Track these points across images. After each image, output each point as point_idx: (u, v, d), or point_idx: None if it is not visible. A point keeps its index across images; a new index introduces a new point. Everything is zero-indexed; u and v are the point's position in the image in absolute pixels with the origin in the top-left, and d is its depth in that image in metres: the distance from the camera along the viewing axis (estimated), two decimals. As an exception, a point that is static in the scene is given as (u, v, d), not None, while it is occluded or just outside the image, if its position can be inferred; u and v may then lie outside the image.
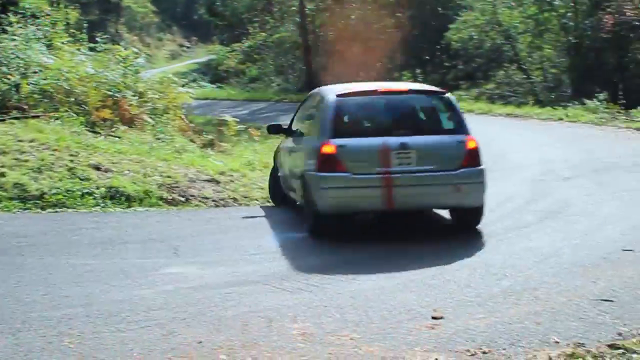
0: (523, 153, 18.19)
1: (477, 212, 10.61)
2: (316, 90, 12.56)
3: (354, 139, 10.34)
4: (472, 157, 10.37)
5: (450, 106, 10.99)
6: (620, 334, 6.09)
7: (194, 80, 61.06)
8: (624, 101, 27.37)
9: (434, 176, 10.18)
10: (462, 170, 10.23)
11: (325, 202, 10.12)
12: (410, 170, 10.11)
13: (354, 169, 10.07)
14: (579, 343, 5.88)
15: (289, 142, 12.59)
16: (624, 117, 23.88)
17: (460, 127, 10.64)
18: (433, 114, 11.31)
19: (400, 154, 10.08)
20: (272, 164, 14.16)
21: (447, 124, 10.98)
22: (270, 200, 13.77)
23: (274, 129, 13.29)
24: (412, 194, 10.24)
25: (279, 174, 13.17)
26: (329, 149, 10.13)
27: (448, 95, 11.30)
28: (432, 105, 11.33)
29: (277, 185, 13.33)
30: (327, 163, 10.11)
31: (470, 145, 10.38)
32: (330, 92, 11.09)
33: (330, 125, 10.41)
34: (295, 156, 11.81)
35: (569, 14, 39.68)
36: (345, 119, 10.84)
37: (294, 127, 12.78)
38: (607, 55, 37.34)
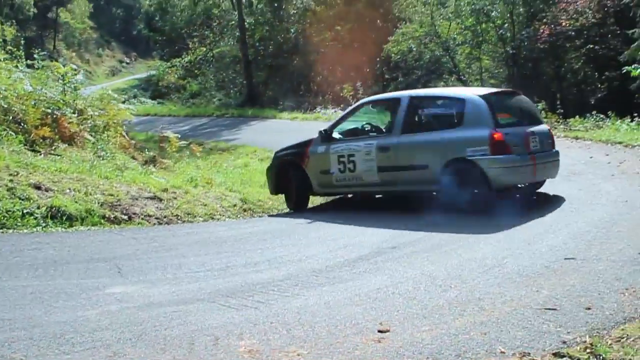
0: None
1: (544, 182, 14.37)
2: (408, 93, 14.75)
3: (507, 128, 12.97)
4: (554, 141, 14.31)
5: (533, 103, 15.07)
6: (564, 342, 6.15)
7: (135, 97, 60.94)
8: (562, 110, 27.83)
9: (550, 154, 13.79)
10: (553, 150, 14.00)
11: (501, 179, 12.73)
12: (538, 150, 13.27)
13: (515, 152, 12.70)
14: (525, 352, 5.93)
15: (355, 144, 14.37)
16: (563, 127, 24.26)
17: (542, 119, 14.61)
18: (531, 109, 14.84)
19: (534, 139, 13.24)
20: (273, 166, 15.99)
21: (537, 117, 14.83)
22: (276, 193, 16.00)
23: (325, 134, 14.87)
24: (543, 169, 13.50)
25: (328, 174, 14.68)
26: (499, 136, 12.54)
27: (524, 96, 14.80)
28: (528, 103, 14.75)
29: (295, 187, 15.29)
30: (500, 147, 12.53)
31: (551, 132, 14.45)
32: (465, 94, 13.85)
33: (491, 118, 12.77)
34: (405, 151, 13.62)
35: (506, 25, 40.26)
36: (496, 113, 13.01)
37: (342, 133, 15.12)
38: (544, 65, 37.96)
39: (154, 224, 13.13)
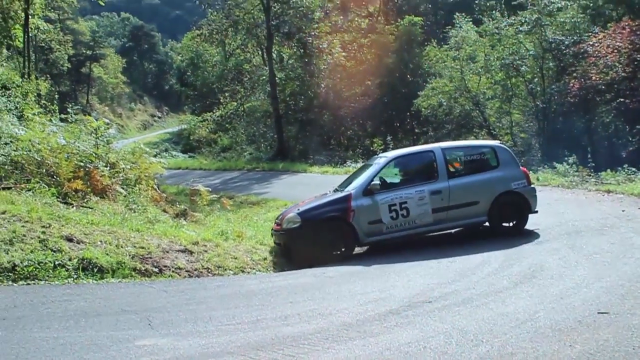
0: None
1: None
2: (437, 146, 16.99)
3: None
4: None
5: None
6: (598, 398, 6.08)
7: (166, 150, 61.36)
8: (593, 164, 27.68)
9: None
10: None
11: (535, 201, 16.34)
12: None
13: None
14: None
15: (404, 192, 16.07)
16: (594, 180, 24.12)
17: None
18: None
19: None
20: (305, 227, 15.75)
21: None
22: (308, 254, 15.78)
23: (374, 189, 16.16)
24: None
25: (379, 223, 15.86)
26: (527, 171, 17.05)
27: None
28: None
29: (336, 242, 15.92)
30: (529, 179, 16.70)
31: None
32: (492, 143, 17.87)
33: (515, 158, 16.98)
34: (458, 191, 16.08)
35: (536, 80, 40.30)
36: None
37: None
38: (574, 119, 37.86)
39: (185, 276, 13.13)
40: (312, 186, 29.92)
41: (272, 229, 16.92)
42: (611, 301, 9.47)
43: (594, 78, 35.47)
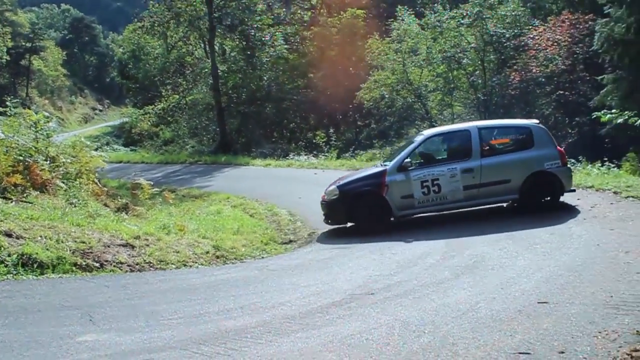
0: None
1: None
2: (473, 125, 17.77)
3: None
4: None
5: None
6: (538, 387, 6.15)
7: (107, 144, 60.86)
8: (534, 156, 27.95)
9: None
10: None
11: (568, 184, 16.84)
12: None
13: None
14: (498, 397, 5.93)
15: (437, 169, 16.93)
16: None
17: None
18: None
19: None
20: (343, 198, 17.24)
21: None
22: (346, 222, 17.61)
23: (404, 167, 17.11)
24: None
25: (411, 198, 16.89)
26: (562, 151, 17.09)
27: None
28: None
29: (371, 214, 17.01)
30: (565, 159, 16.96)
31: None
32: (529, 123, 17.68)
33: (551, 139, 17.22)
34: (490, 170, 16.71)
35: (477, 72, 40.62)
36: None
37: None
38: (515, 111, 38.23)
39: (126, 271, 13.01)
40: (255, 179, 29.93)
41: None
42: (550, 291, 9.58)
43: (534, 71, 35.92)
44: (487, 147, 17.04)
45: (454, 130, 18.79)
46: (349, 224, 17.55)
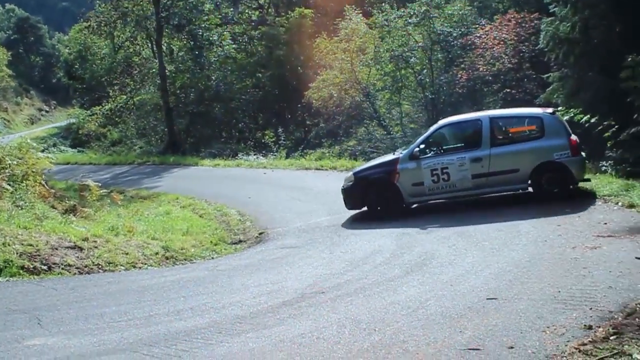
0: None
1: None
2: (486, 115, 17.97)
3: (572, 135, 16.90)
4: None
5: None
6: (487, 383, 6.20)
7: (54, 145, 60.22)
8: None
9: None
10: None
11: (579, 174, 16.61)
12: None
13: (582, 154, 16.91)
14: (448, 393, 5.97)
15: (447, 158, 17.27)
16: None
17: None
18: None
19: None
20: (356, 185, 17.98)
21: None
22: (360, 207, 18.21)
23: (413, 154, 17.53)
24: None
25: (421, 185, 17.28)
26: (575, 141, 16.70)
27: None
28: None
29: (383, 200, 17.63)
30: (577, 149, 16.61)
31: None
32: (541, 112, 17.66)
33: (564, 128, 16.98)
34: (498, 159, 16.81)
35: (425, 71, 40.79)
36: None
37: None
38: (463, 109, 38.40)
39: (75, 273, 12.92)
40: (204, 179, 29.85)
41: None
42: (499, 287, 9.67)
43: (481, 69, 36.13)
44: (498, 137, 17.33)
45: (466, 119, 18.95)
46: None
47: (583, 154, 17.07)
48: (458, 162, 17.10)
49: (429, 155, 17.51)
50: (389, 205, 17.58)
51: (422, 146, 17.61)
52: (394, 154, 18.73)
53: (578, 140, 16.93)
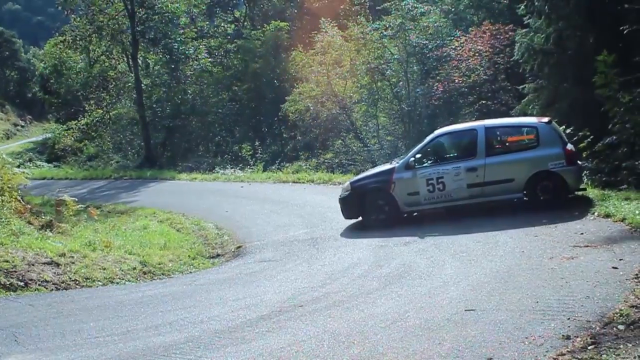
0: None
1: None
2: (481, 124, 17.99)
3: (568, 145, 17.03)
4: None
5: None
6: (466, 395, 6.21)
7: (30, 160, 59.86)
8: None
9: None
10: None
11: (574, 184, 16.78)
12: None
13: (579, 161, 17.38)
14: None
15: (443, 168, 17.34)
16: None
17: None
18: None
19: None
20: (353, 195, 18.13)
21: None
22: (357, 217, 18.34)
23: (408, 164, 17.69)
24: None
25: (417, 195, 17.41)
26: (571, 150, 16.83)
27: None
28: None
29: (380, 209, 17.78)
30: (573, 159, 16.72)
31: None
32: (536, 122, 17.66)
33: (559, 138, 16.96)
34: (493, 169, 16.88)
35: (401, 83, 40.90)
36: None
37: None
38: (439, 120, 38.56)
39: (52, 289, 12.85)
40: (181, 193, 29.75)
41: None
42: (477, 298, 9.70)
43: (457, 81, 36.25)
44: (493, 146, 17.48)
45: (461, 129, 19.14)
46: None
47: (579, 163, 17.45)
48: (454, 172, 17.25)
49: (424, 165, 17.67)
50: (386, 215, 17.73)
51: (418, 156, 17.72)
52: (390, 163, 18.91)
53: (574, 150, 17.22)
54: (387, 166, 18.79)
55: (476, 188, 17.09)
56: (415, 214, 18.02)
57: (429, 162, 17.77)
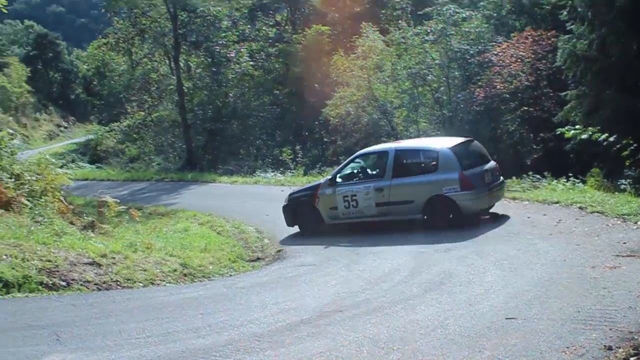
0: (403, 226, 18.49)
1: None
2: (393, 147, 19.41)
3: (469, 170, 17.41)
4: (500, 172, 18.92)
5: (482, 147, 19.42)
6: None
7: (73, 161, 60.39)
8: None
9: (498, 183, 18.51)
10: (500, 180, 18.82)
11: (469, 207, 17.24)
12: (492, 182, 17.98)
13: (477, 187, 17.26)
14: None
15: (356, 187, 18.77)
16: (500, 188, 24.41)
17: (490, 157, 19.03)
18: (483, 151, 19.09)
19: (487, 174, 17.86)
20: (289, 206, 20.17)
21: (487, 157, 18.89)
22: (292, 225, 20.17)
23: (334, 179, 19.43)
24: (497, 196, 18.45)
25: (336, 210, 19.06)
26: (465, 176, 17.14)
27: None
28: (480, 146, 19.28)
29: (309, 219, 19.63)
30: (468, 184, 17.08)
31: (497, 166, 18.78)
32: (437, 146, 18.22)
33: (457, 163, 17.31)
34: (396, 190, 18.03)
35: (442, 89, 40.79)
36: (461, 160, 17.51)
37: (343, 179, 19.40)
38: (480, 127, 38.40)
39: (93, 290, 12.94)
40: (222, 196, 29.84)
41: None
42: (518, 307, 9.64)
43: (498, 87, 36.09)
44: (400, 168, 18.44)
45: (376, 150, 20.64)
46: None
47: (476, 187, 17.40)
48: (364, 191, 18.60)
49: (343, 182, 19.21)
50: (313, 225, 19.59)
51: (339, 174, 19.51)
52: (322, 179, 21.09)
53: (470, 175, 17.41)
54: (316, 182, 21.17)
55: (383, 207, 18.37)
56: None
57: (347, 180, 19.31)
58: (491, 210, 18.51)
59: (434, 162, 17.86)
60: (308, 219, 19.76)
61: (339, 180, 19.34)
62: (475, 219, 17.56)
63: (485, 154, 19.17)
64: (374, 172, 19.26)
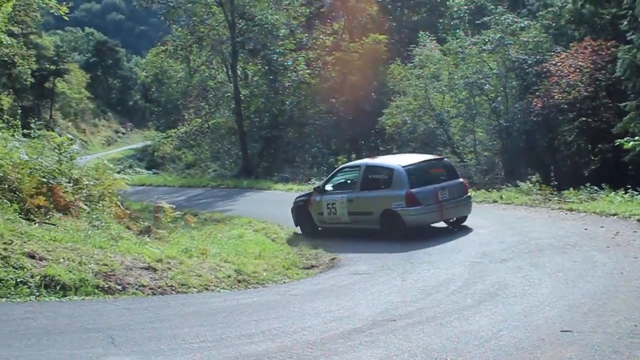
0: (459, 235, 18.41)
1: (465, 217, 20.23)
2: (365, 162, 21.96)
3: (419, 187, 18.92)
4: (466, 189, 20.33)
5: (451, 165, 21.74)
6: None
7: (130, 167, 60.87)
8: (556, 182, 27.73)
9: (460, 199, 19.67)
10: (465, 196, 20.01)
11: (413, 221, 18.83)
12: (447, 199, 19.18)
13: (424, 203, 18.81)
14: None
15: (336, 196, 21.00)
16: (557, 199, 24.14)
17: (458, 175, 20.64)
18: (449, 169, 20.75)
19: (443, 192, 19.17)
20: (293, 208, 23.00)
21: (454, 175, 20.40)
22: (297, 226, 22.88)
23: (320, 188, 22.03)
24: (453, 210, 19.61)
25: (322, 215, 21.41)
26: (411, 194, 18.70)
27: (448, 160, 22.50)
28: (448, 165, 21.31)
29: (306, 221, 22.26)
30: (412, 201, 18.66)
31: (464, 183, 20.40)
32: (393, 164, 20.07)
33: (408, 181, 18.96)
34: (361, 202, 20.12)
35: (499, 98, 40.50)
36: (413, 178, 19.10)
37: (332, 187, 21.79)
38: (537, 137, 38.08)
39: (148, 294, 13.04)
40: (277, 203, 29.89)
41: None
42: (574, 319, 9.54)
43: (556, 97, 35.71)
44: (367, 182, 20.40)
45: (353, 165, 23.26)
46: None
47: (422, 206, 18.88)
48: (340, 200, 20.81)
49: (329, 191, 21.57)
50: (309, 227, 22.05)
51: (327, 184, 22.00)
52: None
53: (418, 192, 18.87)
54: (312, 190, 23.52)
55: (353, 216, 20.51)
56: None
57: (333, 189, 21.62)
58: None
59: (390, 179, 19.63)
60: (305, 221, 22.29)
61: (328, 188, 21.73)
62: (424, 232, 19.10)
63: (453, 171, 20.82)
64: (350, 184, 21.32)
